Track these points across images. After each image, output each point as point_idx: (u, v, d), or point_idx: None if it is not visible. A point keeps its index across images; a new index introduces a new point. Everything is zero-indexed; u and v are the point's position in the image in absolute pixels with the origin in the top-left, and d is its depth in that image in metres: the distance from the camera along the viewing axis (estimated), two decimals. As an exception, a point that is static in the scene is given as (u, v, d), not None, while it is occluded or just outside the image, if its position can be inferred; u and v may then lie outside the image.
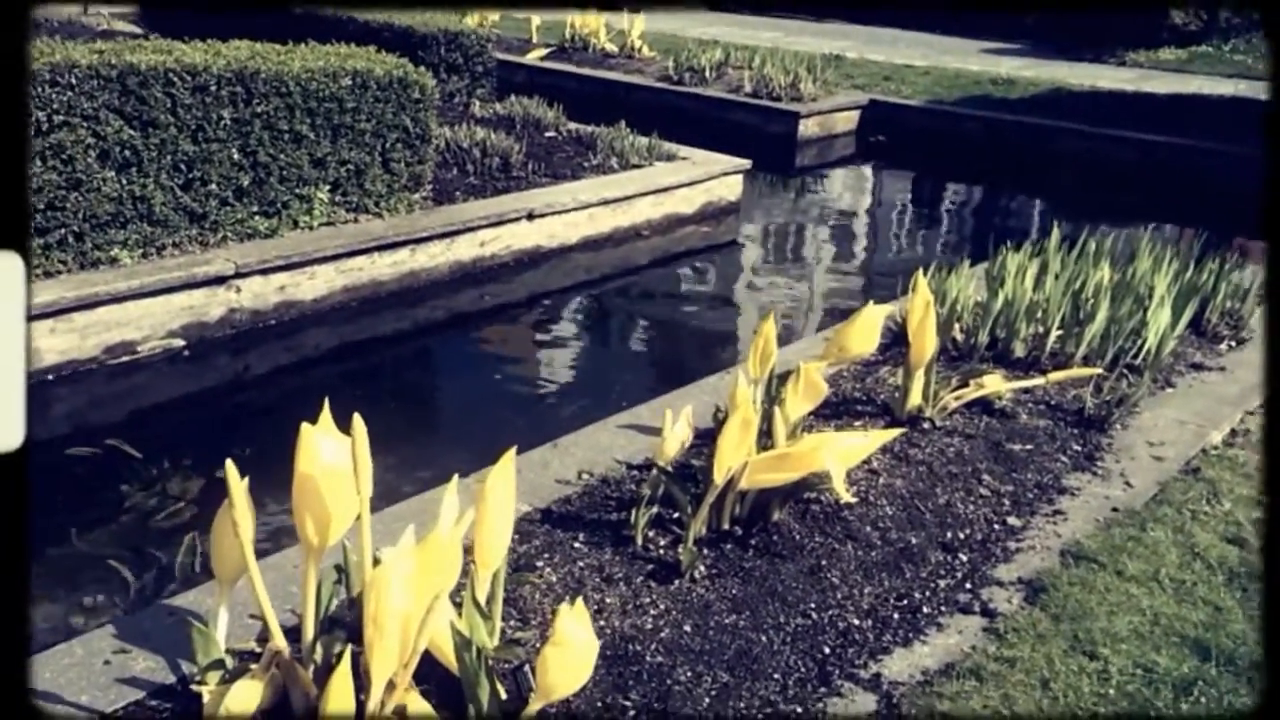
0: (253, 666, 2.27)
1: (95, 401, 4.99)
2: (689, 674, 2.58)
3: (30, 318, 4.78)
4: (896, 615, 2.91)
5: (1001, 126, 11.41)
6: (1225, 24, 16.21)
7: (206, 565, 3.87)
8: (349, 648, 2.34)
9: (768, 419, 3.21)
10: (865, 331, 3.55)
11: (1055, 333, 4.45)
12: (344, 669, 1.95)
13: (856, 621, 2.86)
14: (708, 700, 2.51)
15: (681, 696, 2.51)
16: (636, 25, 13.84)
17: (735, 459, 2.87)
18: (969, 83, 13.05)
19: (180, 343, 5.33)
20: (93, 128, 4.97)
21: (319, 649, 2.29)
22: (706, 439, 3.49)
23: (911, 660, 2.72)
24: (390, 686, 2.04)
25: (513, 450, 2.38)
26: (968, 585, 3.06)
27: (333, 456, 2.26)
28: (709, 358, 6.25)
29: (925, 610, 2.93)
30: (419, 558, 2.01)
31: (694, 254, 7.97)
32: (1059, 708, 2.54)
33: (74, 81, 4.87)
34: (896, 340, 4.59)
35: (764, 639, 2.74)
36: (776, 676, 2.62)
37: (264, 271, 5.55)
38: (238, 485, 2.18)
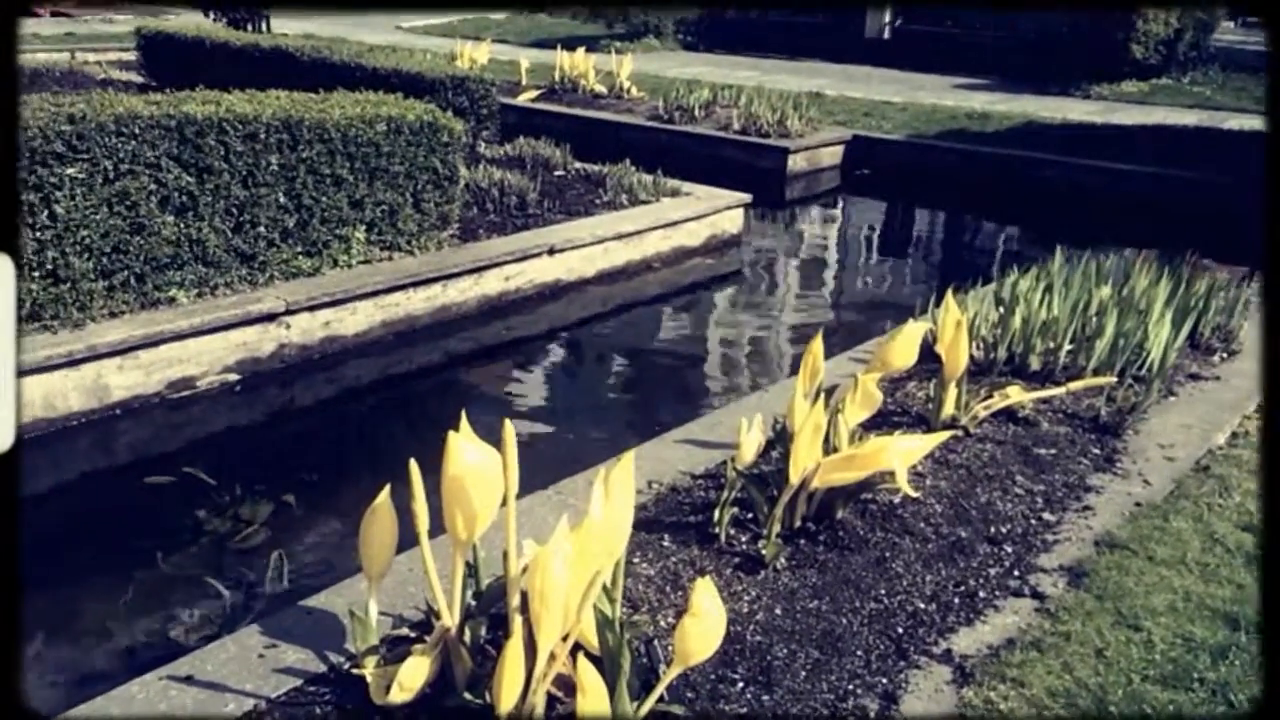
0: (414, 648, 2.53)
1: (161, 433, 5.23)
2: (785, 651, 2.88)
3: (100, 355, 5.02)
4: (956, 599, 3.22)
5: (980, 158, 11.91)
6: (1183, 57, 16.95)
7: (294, 579, 4.15)
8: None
9: (828, 426, 3.53)
10: (906, 347, 3.89)
11: (1067, 347, 4.82)
12: (516, 641, 2.23)
13: (922, 605, 3.17)
14: (804, 674, 2.81)
15: (781, 670, 2.81)
16: (624, 67, 14.29)
17: (809, 460, 3.19)
18: (945, 117, 13.58)
19: (235, 377, 5.58)
20: (154, 175, 5.25)
21: (467, 631, 2.57)
22: (766, 448, 3.82)
23: (976, 637, 3.04)
24: (550, 658, 2.32)
25: (632, 452, 2.66)
26: (1015, 573, 3.38)
27: (476, 460, 2.53)
28: (731, 379, 6.59)
29: (981, 595, 3.25)
30: (576, 541, 2.29)
31: (701, 284, 8.33)
32: (1114, 672, 2.86)
33: (137, 131, 5.15)
34: (920, 357, 4.94)
35: (844, 621, 3.05)
36: (860, 653, 2.92)
37: (311, 308, 5.83)
38: (418, 482, 2.45)
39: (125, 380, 5.12)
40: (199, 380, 5.42)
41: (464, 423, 2.65)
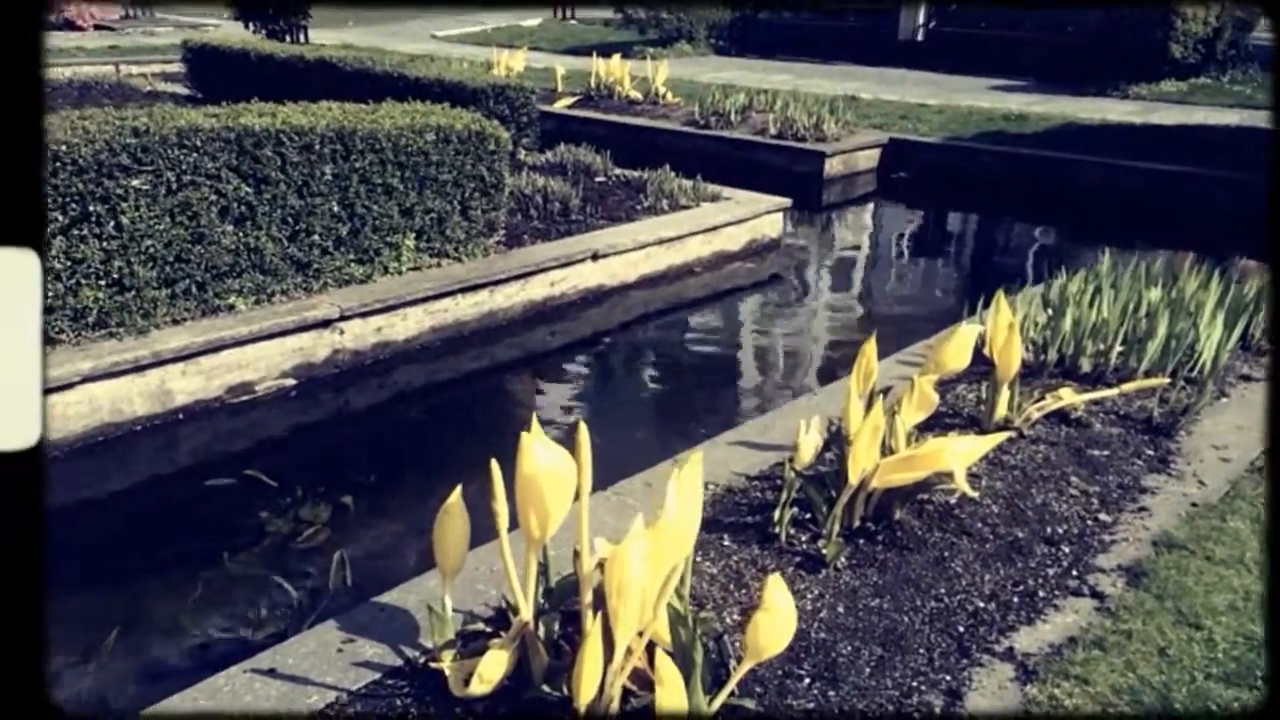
0: (492, 642, 2.61)
1: (222, 437, 5.36)
2: (849, 648, 2.93)
3: (164, 361, 5.15)
4: (1016, 599, 3.25)
5: (1018, 160, 11.86)
6: (1222, 56, 16.78)
7: (356, 579, 4.24)
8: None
9: (885, 428, 3.57)
10: (960, 349, 3.93)
11: (1117, 349, 4.83)
12: (594, 636, 2.30)
13: (982, 604, 3.21)
14: (869, 670, 2.86)
15: (846, 667, 2.86)
16: (660, 73, 14.37)
17: (868, 461, 3.24)
18: (982, 119, 13.53)
19: (291, 381, 5.70)
20: (215, 186, 5.38)
21: (541, 627, 2.64)
22: (822, 449, 3.87)
23: (1038, 636, 3.07)
24: (627, 653, 2.38)
25: (700, 452, 2.73)
26: (1074, 572, 3.41)
27: (549, 460, 2.60)
28: (775, 382, 6.63)
29: (1041, 594, 3.28)
30: (651, 538, 2.36)
31: (743, 288, 8.38)
32: (1177, 670, 2.89)
33: (199, 144, 5.29)
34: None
35: (906, 619, 3.09)
36: (922, 651, 2.97)
37: (364, 315, 5.94)
38: (499, 481, 2.52)
39: (187, 385, 5.25)
40: (257, 385, 5.54)
41: (535, 424, 2.73)
